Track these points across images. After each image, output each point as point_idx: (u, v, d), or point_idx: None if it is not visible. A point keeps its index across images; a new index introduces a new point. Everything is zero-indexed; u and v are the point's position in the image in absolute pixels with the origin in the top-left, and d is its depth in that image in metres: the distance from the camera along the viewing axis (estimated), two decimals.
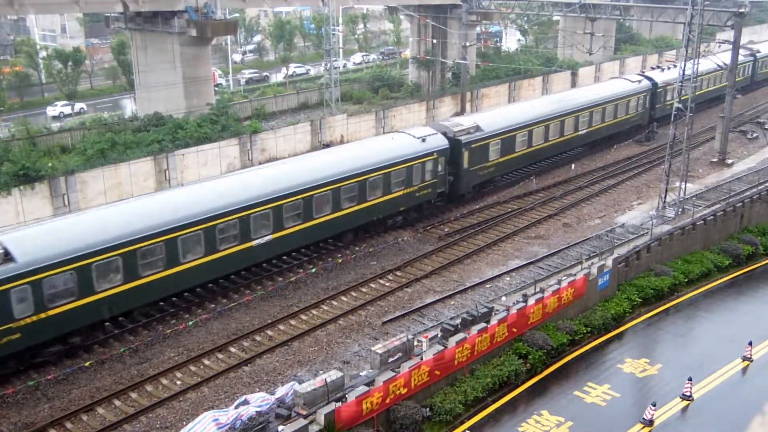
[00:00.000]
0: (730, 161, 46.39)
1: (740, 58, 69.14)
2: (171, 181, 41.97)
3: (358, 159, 33.88)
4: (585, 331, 26.26)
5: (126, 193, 39.63)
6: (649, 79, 55.15)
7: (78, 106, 62.81)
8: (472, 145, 39.42)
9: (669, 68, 57.51)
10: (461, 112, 56.29)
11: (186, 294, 28.79)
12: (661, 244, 31.85)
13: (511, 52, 79.62)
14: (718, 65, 60.45)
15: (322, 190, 31.64)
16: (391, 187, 34.80)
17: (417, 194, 36.48)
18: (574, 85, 69.93)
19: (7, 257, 23.01)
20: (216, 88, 64.63)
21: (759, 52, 72.68)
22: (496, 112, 44.72)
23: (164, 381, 24.02)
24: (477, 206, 40.10)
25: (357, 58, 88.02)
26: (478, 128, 40.08)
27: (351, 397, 19.73)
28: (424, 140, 36.61)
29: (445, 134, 38.11)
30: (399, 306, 29.04)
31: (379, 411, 20.33)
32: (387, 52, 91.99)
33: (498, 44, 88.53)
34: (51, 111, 61.81)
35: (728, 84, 46.80)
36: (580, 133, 48.20)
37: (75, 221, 26.19)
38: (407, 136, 37.00)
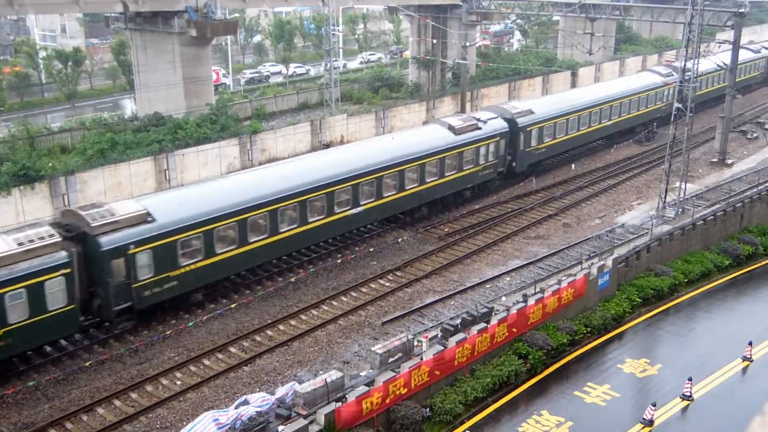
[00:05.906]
0: (730, 161, 46.38)
1: (753, 54, 69.16)
2: (171, 181, 41.94)
3: (437, 139, 37.03)
4: (585, 331, 26.27)
5: (126, 193, 39.58)
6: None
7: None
8: (528, 128, 42.13)
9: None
10: (461, 112, 56.19)
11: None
12: (661, 244, 31.83)
13: (510, 52, 79.49)
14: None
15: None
16: (463, 165, 38.15)
17: (481, 173, 39.06)
18: (574, 85, 69.87)
19: None
20: (220, 88, 64.71)
21: None
22: (546, 99, 47.82)
23: (164, 381, 24.02)
24: (477, 206, 40.12)
25: (360, 57, 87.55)
26: (530, 112, 43.12)
27: (351, 397, 19.73)
28: (486, 123, 39.09)
29: (504, 118, 40.63)
30: (399, 306, 29.04)
31: (379, 411, 20.33)
32: (394, 51, 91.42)
33: (510, 42, 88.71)
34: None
35: (728, 84, 46.79)
36: (621, 118, 51.49)
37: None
38: (468, 120, 39.40)
